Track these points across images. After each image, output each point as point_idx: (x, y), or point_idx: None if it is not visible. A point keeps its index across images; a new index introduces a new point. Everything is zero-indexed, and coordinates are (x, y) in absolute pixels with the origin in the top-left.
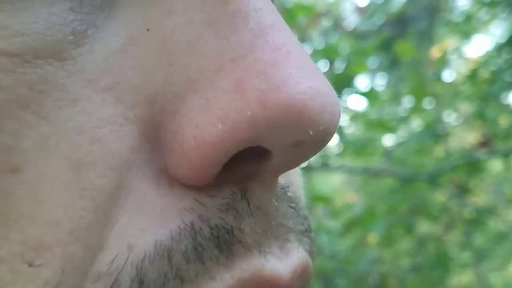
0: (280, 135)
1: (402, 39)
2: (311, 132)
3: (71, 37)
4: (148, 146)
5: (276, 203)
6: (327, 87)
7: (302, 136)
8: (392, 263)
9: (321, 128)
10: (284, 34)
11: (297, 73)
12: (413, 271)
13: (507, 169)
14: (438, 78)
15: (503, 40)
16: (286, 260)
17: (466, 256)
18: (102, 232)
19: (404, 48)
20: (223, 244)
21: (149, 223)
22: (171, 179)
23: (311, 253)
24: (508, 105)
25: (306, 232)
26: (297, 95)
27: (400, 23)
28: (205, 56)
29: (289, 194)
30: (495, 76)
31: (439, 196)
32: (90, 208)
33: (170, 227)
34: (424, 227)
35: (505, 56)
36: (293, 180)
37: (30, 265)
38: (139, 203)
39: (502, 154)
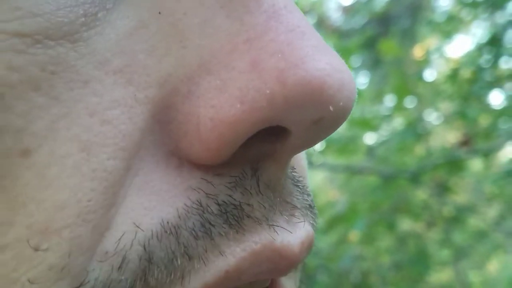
0: (300, 113)
1: (385, 38)
2: (331, 108)
3: (83, 19)
4: (158, 127)
5: (284, 181)
6: (343, 64)
7: (323, 113)
8: (373, 260)
9: (341, 103)
10: (297, 16)
11: (314, 51)
12: (394, 268)
13: (486, 168)
14: (419, 77)
15: (484, 40)
16: (294, 232)
17: (445, 253)
18: (109, 212)
19: (388, 46)
20: (232, 219)
21: (156, 202)
22: (180, 159)
23: (314, 227)
24: (488, 104)
25: (310, 207)
26: (316, 72)
27: (383, 22)
28: (218, 38)
29: (294, 173)
30: (476, 76)
31: (421, 194)
32: (100, 189)
33: (177, 206)
34: (405, 224)
35: (486, 56)
36: (298, 161)
37: (36, 249)
38: (146, 183)
39: (482, 153)
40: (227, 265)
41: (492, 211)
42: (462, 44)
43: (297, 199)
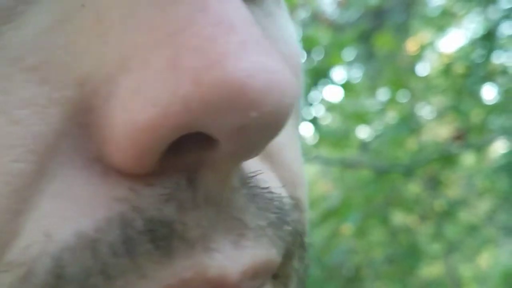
0: (218, 119)
1: (379, 32)
2: (254, 114)
3: None
4: (78, 131)
5: (229, 195)
6: (276, 63)
7: (244, 119)
8: (366, 254)
9: (267, 109)
10: (229, 7)
11: (238, 48)
12: (386, 262)
13: (479, 162)
14: (413, 71)
15: (477, 34)
16: (237, 257)
17: (437, 247)
18: (17, 220)
19: (382, 40)
20: (160, 239)
21: (73, 211)
22: (106, 167)
23: (278, 248)
24: (481, 99)
25: (274, 225)
26: (236, 72)
27: (378, 16)
28: (140, 32)
29: (251, 184)
30: (469, 70)
31: (413, 188)
32: (4, 193)
33: (97, 217)
34: (398, 218)
35: (479, 51)
36: (282, 164)
37: None
38: (63, 190)
39: (474, 148)
40: None
41: (484, 206)
42: (456, 39)
43: (252, 216)
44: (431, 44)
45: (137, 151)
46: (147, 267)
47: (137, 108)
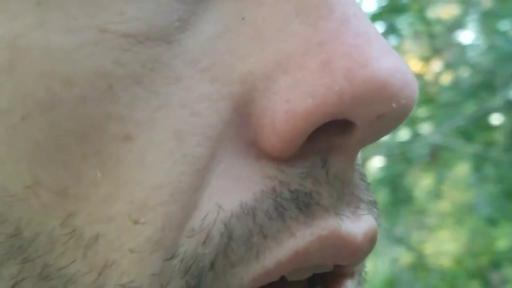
0: (365, 108)
1: None
2: (394, 105)
3: (177, 23)
4: (240, 120)
5: (351, 174)
6: (406, 66)
7: (386, 109)
8: None
9: (403, 101)
10: (365, 23)
11: (379, 54)
12: None
13: None
14: None
15: None
16: (358, 223)
17: None
18: (196, 194)
19: None
20: (302, 205)
21: (236, 187)
22: (259, 151)
23: (377, 222)
24: None
25: (374, 203)
26: (381, 71)
27: None
28: (293, 41)
29: (360, 169)
30: None
31: None
32: (189, 172)
33: (254, 190)
34: None
35: None
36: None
37: (136, 223)
38: (228, 170)
39: None
40: (297, 246)
41: None
42: None
43: (363, 193)
44: None
45: (293, 134)
46: (294, 227)
47: (297, 100)
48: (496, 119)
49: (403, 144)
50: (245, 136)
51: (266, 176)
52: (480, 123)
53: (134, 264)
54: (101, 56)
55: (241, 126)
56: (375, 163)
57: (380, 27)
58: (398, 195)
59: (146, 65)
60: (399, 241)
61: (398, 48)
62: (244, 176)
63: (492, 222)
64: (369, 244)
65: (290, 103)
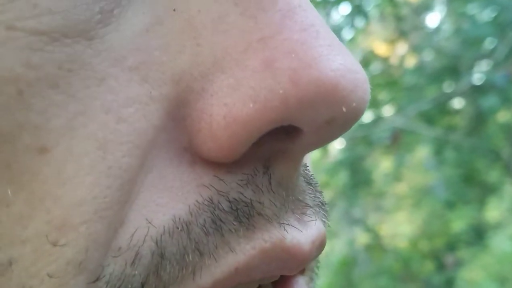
0: (312, 113)
1: None
2: (344, 109)
3: (99, 16)
4: (172, 124)
5: (296, 180)
6: (357, 65)
7: (335, 113)
8: None
9: (354, 104)
10: (311, 14)
11: (328, 51)
12: None
13: (322, 158)
14: None
15: None
16: (305, 231)
17: None
18: (123, 209)
19: None
20: (243, 216)
21: (168, 198)
22: (193, 156)
23: (325, 224)
24: None
25: (322, 205)
26: (329, 72)
27: None
28: (232, 35)
29: (306, 171)
30: None
31: None
32: (115, 186)
33: (189, 202)
34: None
35: None
36: (306, 157)
37: (54, 244)
38: (159, 180)
39: None
40: (237, 262)
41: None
42: None
43: (310, 197)
44: None
45: (233, 142)
46: (233, 242)
47: (237, 104)
48: (458, 103)
49: (365, 126)
50: (178, 141)
51: (202, 185)
52: (442, 107)
53: None
54: (9, 58)
55: (174, 131)
56: (336, 145)
57: (346, 8)
58: (358, 178)
59: (63, 66)
60: (357, 222)
61: (364, 30)
62: (177, 186)
63: (449, 205)
64: (317, 251)
65: (229, 107)
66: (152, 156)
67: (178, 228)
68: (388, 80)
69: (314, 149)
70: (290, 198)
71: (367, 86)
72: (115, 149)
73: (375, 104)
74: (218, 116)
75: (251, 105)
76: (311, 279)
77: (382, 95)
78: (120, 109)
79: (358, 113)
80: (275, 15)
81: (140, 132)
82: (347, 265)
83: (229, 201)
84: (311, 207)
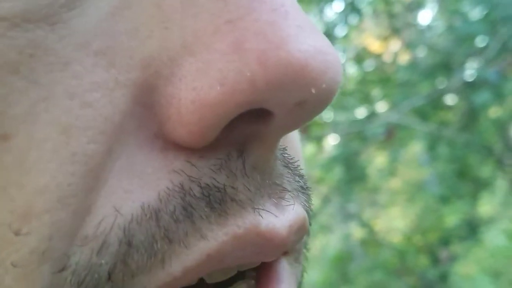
0: (281, 95)
1: None
2: (313, 91)
3: (62, 1)
4: (141, 110)
5: (273, 163)
6: (328, 45)
7: (305, 96)
8: None
9: (324, 86)
10: None
11: (297, 32)
12: None
13: (317, 153)
14: None
15: None
16: (282, 215)
17: None
18: (90, 196)
19: None
20: (215, 202)
21: (137, 185)
22: (165, 142)
23: (308, 210)
24: None
25: (302, 189)
26: (298, 53)
27: None
28: (201, 18)
29: (285, 155)
30: None
31: None
32: (80, 173)
33: (158, 189)
34: None
35: None
36: (290, 142)
37: (17, 233)
38: (129, 166)
39: (315, 140)
40: (209, 249)
41: (319, 194)
42: None
43: (288, 181)
44: None
45: (202, 127)
46: (205, 228)
47: (205, 87)
48: (450, 99)
49: (359, 122)
50: (149, 127)
51: (173, 171)
52: (435, 103)
53: (18, 280)
54: None
55: (143, 117)
56: (331, 141)
57: (340, 5)
58: (352, 173)
59: (24, 52)
60: (352, 217)
61: (357, 27)
62: (148, 173)
63: (442, 200)
64: (296, 235)
65: (197, 91)
66: (120, 142)
67: (146, 215)
68: (381, 76)
69: (288, 132)
70: (267, 182)
71: (338, 67)
72: (79, 134)
73: (369, 100)
74: (186, 100)
75: (218, 88)
76: (296, 260)
77: (376, 91)
78: (85, 94)
79: (329, 95)
80: None
81: (106, 118)
82: (342, 260)
83: (201, 187)
84: (289, 191)
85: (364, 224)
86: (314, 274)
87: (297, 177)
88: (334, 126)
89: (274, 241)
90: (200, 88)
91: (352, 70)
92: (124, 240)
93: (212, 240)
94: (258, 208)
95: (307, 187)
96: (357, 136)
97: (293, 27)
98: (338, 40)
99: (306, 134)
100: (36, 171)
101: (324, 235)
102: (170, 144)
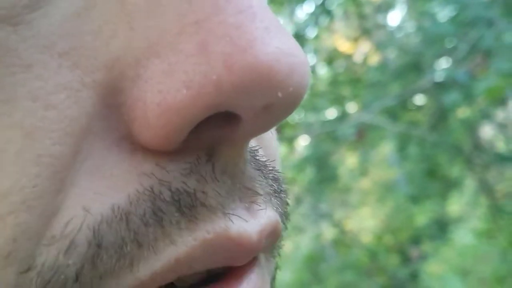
0: (248, 99)
1: None
2: (280, 94)
3: (25, 1)
4: (108, 112)
5: (243, 167)
6: (295, 48)
7: (271, 99)
8: None
9: (291, 89)
10: None
11: (263, 35)
12: None
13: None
14: None
15: None
16: (253, 220)
17: None
18: (57, 198)
19: None
20: (185, 207)
21: (107, 187)
22: (134, 144)
23: (283, 214)
24: None
25: (276, 193)
26: (264, 57)
27: None
28: (166, 18)
29: (257, 157)
30: None
31: None
32: (45, 175)
33: (128, 191)
34: None
35: None
36: (266, 142)
37: None
38: (97, 168)
39: (287, 140)
40: (177, 254)
41: (291, 194)
42: None
43: (260, 184)
44: None
45: (168, 130)
46: (175, 234)
47: (170, 90)
48: (420, 100)
49: (330, 122)
50: (117, 129)
51: (143, 174)
52: (405, 104)
53: None
54: None
55: (111, 119)
56: (302, 142)
57: (311, 6)
58: (324, 174)
59: None
60: (323, 217)
61: (328, 28)
62: (117, 174)
63: (412, 199)
64: (268, 239)
65: (163, 94)
66: (87, 144)
67: (116, 217)
68: (351, 77)
69: (256, 136)
70: (237, 186)
71: (305, 70)
72: (44, 136)
73: (339, 101)
74: (152, 103)
75: (184, 91)
76: (267, 260)
77: (346, 92)
78: (49, 96)
79: (296, 98)
80: None
81: (71, 119)
82: (314, 260)
83: (171, 191)
84: (260, 195)
85: (335, 224)
86: (286, 274)
87: (270, 181)
88: (305, 127)
89: (244, 246)
90: (166, 91)
91: (323, 71)
92: (93, 241)
93: (181, 245)
94: (229, 213)
95: (281, 191)
96: (328, 137)
97: (260, 29)
98: (309, 41)
99: (279, 135)
100: None
101: (295, 235)
102: (138, 146)
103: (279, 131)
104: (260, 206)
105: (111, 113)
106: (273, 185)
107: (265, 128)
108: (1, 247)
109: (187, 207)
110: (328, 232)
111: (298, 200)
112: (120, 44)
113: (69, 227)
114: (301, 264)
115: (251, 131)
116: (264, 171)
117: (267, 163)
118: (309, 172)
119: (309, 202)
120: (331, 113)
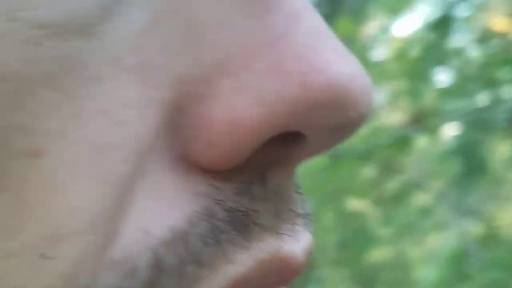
0: (320, 118)
1: (337, 18)
2: (352, 114)
3: (99, 12)
4: (168, 130)
5: (291, 188)
6: (361, 68)
7: (344, 118)
8: (317, 240)
9: (362, 109)
10: (316, 17)
11: (335, 56)
12: (337, 248)
13: (432, 145)
14: (365, 57)
15: (432, 18)
16: (298, 240)
17: (388, 231)
18: (119, 218)
19: (342, 26)
20: (240, 226)
21: (165, 208)
22: (189, 164)
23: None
24: (435, 82)
25: (307, 215)
26: (340, 76)
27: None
28: (236, 37)
29: (295, 180)
30: (424, 54)
31: (368, 173)
32: (111, 194)
33: (186, 212)
34: (351, 203)
35: (434, 34)
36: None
37: (45, 258)
38: (154, 188)
39: (429, 131)
40: (236, 274)
41: (435, 188)
42: (410, 23)
43: (299, 206)
44: (385, 28)
45: (234, 148)
46: (232, 252)
47: (241, 107)
48: None
49: (481, 109)
50: (174, 148)
51: (198, 194)
52: None
53: None
54: (7, 53)
55: (170, 138)
56: (447, 131)
57: None
58: (472, 165)
59: (59, 64)
60: (470, 213)
61: (482, 6)
62: (174, 195)
63: None
64: (306, 260)
65: (233, 112)
66: (148, 162)
67: (176, 238)
68: (507, 57)
69: (313, 156)
70: (284, 206)
71: (372, 91)
72: (112, 154)
73: (492, 84)
74: (220, 121)
75: (256, 110)
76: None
77: (501, 74)
78: (120, 111)
79: (364, 118)
80: (280, 18)
81: (138, 137)
82: (459, 257)
83: (226, 210)
84: (300, 216)
85: (483, 219)
86: (430, 271)
87: (304, 204)
88: (452, 115)
89: (293, 266)
90: (237, 109)
91: (474, 53)
92: (153, 264)
93: (239, 265)
94: (281, 233)
95: (309, 213)
96: (477, 124)
97: (331, 51)
98: (459, 21)
99: (420, 125)
100: (66, 191)
101: (439, 232)
102: (194, 166)
103: (419, 120)
104: (300, 227)
105: (171, 132)
106: (305, 207)
107: (327, 148)
108: (66, 270)
109: (242, 226)
110: (475, 228)
111: (442, 195)
112: (188, 61)
113: (130, 249)
114: (445, 262)
115: (312, 151)
116: (300, 193)
117: (300, 186)
118: (455, 164)
119: (453, 196)
120: (482, 98)
